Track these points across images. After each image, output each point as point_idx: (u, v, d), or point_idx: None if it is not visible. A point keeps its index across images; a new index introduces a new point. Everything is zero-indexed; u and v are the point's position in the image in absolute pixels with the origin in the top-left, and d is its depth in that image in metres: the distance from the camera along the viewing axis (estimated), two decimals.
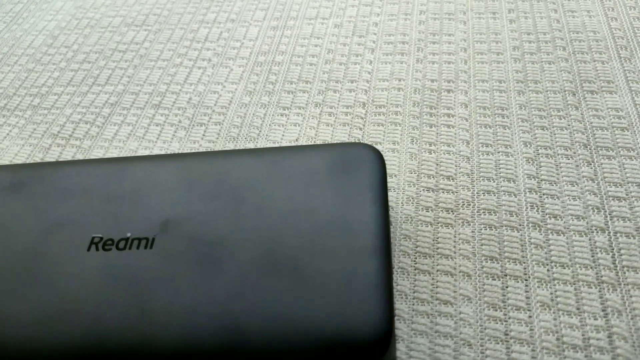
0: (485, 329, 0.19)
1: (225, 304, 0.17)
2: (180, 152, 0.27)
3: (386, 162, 0.25)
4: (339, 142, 0.22)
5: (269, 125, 0.28)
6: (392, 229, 0.23)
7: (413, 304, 0.20)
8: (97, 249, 0.19)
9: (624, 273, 0.20)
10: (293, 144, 0.27)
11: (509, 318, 0.20)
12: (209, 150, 0.27)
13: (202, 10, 0.38)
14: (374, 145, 0.26)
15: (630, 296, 0.19)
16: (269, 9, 0.36)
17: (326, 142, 0.23)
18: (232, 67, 0.32)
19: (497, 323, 0.19)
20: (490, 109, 0.27)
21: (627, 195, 0.22)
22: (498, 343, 0.19)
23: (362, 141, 0.26)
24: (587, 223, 0.22)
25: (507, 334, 0.19)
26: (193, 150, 0.27)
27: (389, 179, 0.25)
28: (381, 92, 0.29)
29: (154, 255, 0.19)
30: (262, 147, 0.24)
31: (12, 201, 0.22)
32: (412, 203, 0.24)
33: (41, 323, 0.18)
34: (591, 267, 0.20)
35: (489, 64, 0.29)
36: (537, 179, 0.24)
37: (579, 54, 0.29)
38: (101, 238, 0.20)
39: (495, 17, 0.32)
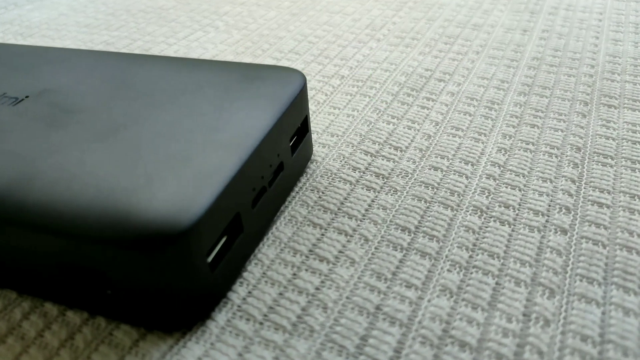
0: (354, 296, 0.14)
1: (37, 157, 0.14)
2: None
3: (337, 125, 0.21)
4: (269, 64, 0.19)
5: None
6: (303, 180, 0.18)
7: (282, 252, 0.16)
8: None
9: (574, 282, 0.14)
10: None
11: (392, 292, 0.14)
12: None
13: None
14: (334, 109, 0.23)
15: (572, 308, 0.13)
16: (298, 1, 0.35)
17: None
18: (235, 35, 0.31)
19: (372, 293, 0.14)
20: (479, 100, 0.23)
21: (613, 203, 0.17)
22: (362, 315, 0.14)
23: (323, 105, 0.23)
24: (547, 221, 0.16)
25: (378, 308, 0.14)
26: None
27: (329, 138, 0.21)
28: (366, 71, 0.26)
29: (12, 111, 0.17)
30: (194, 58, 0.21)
31: None
32: (341, 161, 0.19)
33: None
34: (530, 265, 0.15)
35: (497, 67, 0.25)
36: (502, 168, 0.19)
37: (608, 73, 0.24)
38: None
39: (525, 33, 0.28)
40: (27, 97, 0.18)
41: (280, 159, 0.16)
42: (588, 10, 0.31)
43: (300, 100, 0.17)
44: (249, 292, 0.14)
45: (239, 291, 0.15)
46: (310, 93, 0.24)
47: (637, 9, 0.30)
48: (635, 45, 0.26)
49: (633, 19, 0.29)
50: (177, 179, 0.13)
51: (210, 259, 0.14)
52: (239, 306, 0.14)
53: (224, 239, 0.14)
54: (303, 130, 0.18)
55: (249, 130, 0.15)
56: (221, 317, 0.14)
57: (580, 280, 0.14)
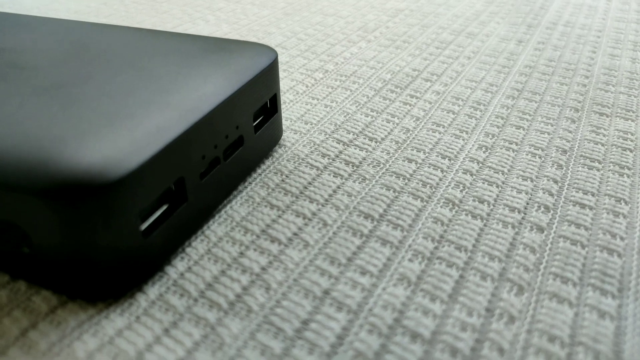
0: (302, 279, 0.13)
1: None
2: None
3: (312, 113, 0.20)
4: (240, 40, 0.18)
5: None
6: (268, 162, 0.17)
7: (232, 230, 0.14)
8: None
9: (547, 280, 0.13)
10: None
11: (344, 277, 0.13)
12: None
13: None
14: (313, 100, 0.21)
15: (542, 307, 0.12)
16: (294, 3, 0.35)
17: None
18: (224, 28, 0.30)
19: (322, 277, 0.13)
20: (465, 101, 0.21)
21: (596, 205, 0.15)
22: (307, 298, 0.12)
23: (302, 95, 0.22)
24: (523, 218, 0.15)
25: (327, 293, 0.12)
26: None
27: (302, 125, 0.20)
28: (352, 67, 0.25)
29: None
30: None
31: None
32: (310, 147, 0.18)
33: None
34: (500, 260, 0.13)
35: (488, 72, 0.24)
36: (481, 164, 0.17)
37: (602, 84, 0.23)
38: None
39: (520, 44, 0.28)
40: None
41: (240, 132, 0.15)
42: (587, 28, 0.30)
43: (268, 76, 0.16)
44: (189, 268, 0.13)
45: (178, 266, 0.13)
46: (290, 84, 0.23)
47: (637, 29, 0.30)
48: (633, 61, 0.25)
49: (632, 37, 0.28)
50: (114, 133, 0.12)
51: (145, 225, 0.12)
52: (175, 281, 0.13)
53: (164, 207, 0.13)
54: (272, 110, 0.17)
55: (203, 95, 0.14)
56: (153, 290, 0.13)
57: (554, 279, 0.13)
